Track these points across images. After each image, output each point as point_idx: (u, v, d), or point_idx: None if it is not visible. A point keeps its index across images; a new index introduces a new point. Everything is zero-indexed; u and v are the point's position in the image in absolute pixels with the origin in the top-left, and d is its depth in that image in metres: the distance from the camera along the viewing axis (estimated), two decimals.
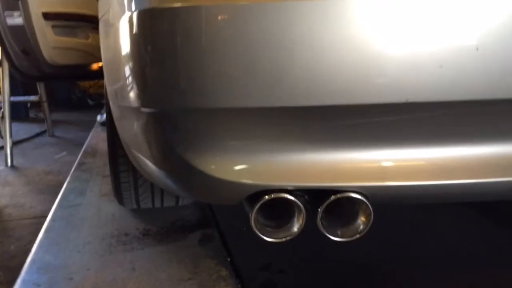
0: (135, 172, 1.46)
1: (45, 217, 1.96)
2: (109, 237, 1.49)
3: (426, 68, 0.73)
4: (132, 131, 1.03)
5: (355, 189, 0.80)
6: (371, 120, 0.79)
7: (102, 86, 5.43)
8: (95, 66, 3.07)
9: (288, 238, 0.83)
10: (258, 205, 0.81)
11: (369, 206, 0.80)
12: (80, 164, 2.39)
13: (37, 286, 1.20)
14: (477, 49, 0.73)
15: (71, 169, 2.44)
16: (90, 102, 5.46)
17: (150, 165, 0.98)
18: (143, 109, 0.85)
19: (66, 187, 2.03)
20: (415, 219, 1.72)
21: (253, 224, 0.82)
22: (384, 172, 0.80)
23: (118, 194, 1.55)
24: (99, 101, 5.41)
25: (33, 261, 1.34)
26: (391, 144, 0.80)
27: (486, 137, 0.81)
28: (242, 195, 0.84)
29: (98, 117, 3.46)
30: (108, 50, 1.12)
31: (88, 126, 4.14)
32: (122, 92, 0.95)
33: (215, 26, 0.74)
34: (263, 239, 0.83)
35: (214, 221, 1.64)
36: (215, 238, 1.49)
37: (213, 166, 0.82)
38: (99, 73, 3.15)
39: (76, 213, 1.71)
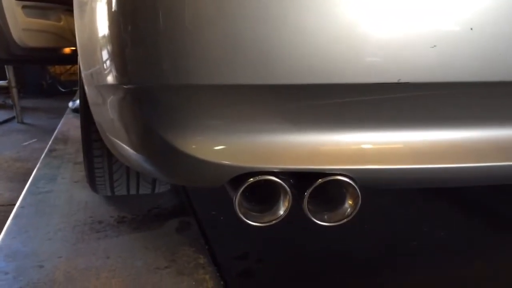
0: (110, 157, 1.41)
1: (14, 205, 1.88)
2: (81, 224, 1.44)
3: (419, 48, 0.71)
4: (109, 113, 0.98)
5: (342, 172, 0.77)
6: (361, 101, 0.76)
7: (73, 73, 5.29)
8: (67, 50, 2.97)
9: (273, 222, 0.80)
10: (242, 188, 0.77)
11: (357, 189, 0.77)
12: (51, 150, 2.31)
13: (5, 274, 1.14)
14: (471, 29, 0.71)
15: (40, 156, 2.36)
16: (61, 88, 5.30)
17: (127, 148, 0.93)
18: (122, 86, 0.80)
19: (36, 173, 1.95)
20: (393, 206, 1.72)
21: (237, 208, 0.78)
22: (373, 155, 0.78)
23: (92, 180, 1.49)
24: (71, 88, 5.26)
25: (2, 245, 1.28)
26: (380, 126, 0.78)
27: (475, 121, 0.79)
28: (225, 178, 0.81)
29: (70, 104, 3.35)
30: (84, 30, 1.06)
31: (59, 113, 4.02)
32: (100, 71, 0.90)
33: (196, 2, 0.69)
34: (247, 223, 0.80)
35: (191, 209, 1.60)
36: (192, 226, 1.45)
37: (194, 146, 0.77)
38: (72, 57, 3.05)
39: (47, 200, 1.64)
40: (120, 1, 0.75)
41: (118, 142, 0.97)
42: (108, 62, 0.82)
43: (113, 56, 0.80)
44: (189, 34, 0.71)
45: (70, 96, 4.84)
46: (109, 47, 0.80)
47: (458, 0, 0.70)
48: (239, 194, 0.78)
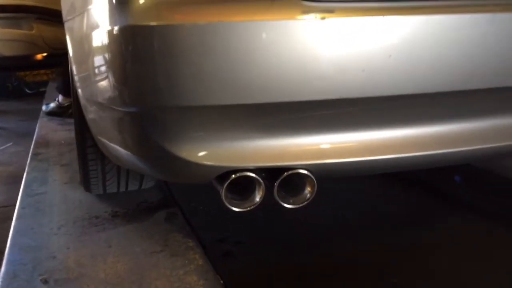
0: (103, 160, 1.61)
1: (6, 206, 2.06)
2: (80, 220, 1.64)
3: (352, 72, 0.96)
4: (109, 125, 1.20)
5: (302, 167, 1.02)
6: (312, 113, 1.01)
7: (38, 74, 5.33)
8: (39, 56, 3.10)
9: (252, 207, 1.04)
10: (227, 182, 1.01)
11: (313, 179, 1.03)
12: (35, 154, 2.47)
13: (24, 265, 1.34)
14: (389, 56, 0.97)
15: (21, 160, 2.51)
16: (28, 90, 5.34)
17: (127, 155, 1.16)
18: (128, 109, 1.03)
19: (26, 177, 2.12)
20: (343, 191, 2.01)
21: (224, 199, 1.02)
22: (324, 152, 1.04)
23: (86, 181, 1.70)
24: (37, 90, 5.32)
25: (13, 244, 1.47)
26: (328, 130, 1.03)
27: (397, 123, 1.06)
28: (213, 175, 1.04)
29: (44, 107, 3.47)
30: (83, 55, 1.27)
31: (29, 115, 4.11)
32: (103, 94, 1.12)
33: (185, 41, 0.92)
34: (231, 210, 1.04)
35: (174, 202, 1.82)
36: (178, 216, 1.68)
37: (189, 153, 1.01)
38: (44, 63, 3.18)
39: (43, 200, 1.83)
40: (123, 42, 0.97)
41: (117, 148, 1.19)
42: (112, 89, 1.04)
43: (118, 85, 1.02)
44: (179, 68, 0.94)
45: (37, 97, 4.90)
46: (113, 78, 1.02)
47: (378, 37, 0.96)
48: (224, 187, 1.02)
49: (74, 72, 1.41)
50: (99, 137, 1.37)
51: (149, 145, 1.05)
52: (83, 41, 1.21)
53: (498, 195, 1.91)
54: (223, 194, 1.02)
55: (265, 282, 1.37)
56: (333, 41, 0.95)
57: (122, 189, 1.78)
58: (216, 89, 0.94)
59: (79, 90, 1.40)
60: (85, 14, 1.17)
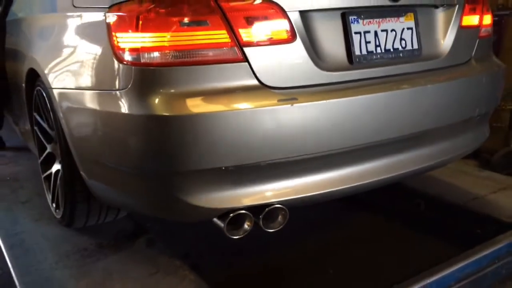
0: (89, 199, 1.88)
1: None
2: (71, 253, 1.91)
3: (311, 136, 1.43)
4: (121, 180, 1.54)
5: (278, 203, 1.47)
6: (284, 167, 1.46)
7: None
8: None
9: (245, 233, 1.47)
10: (228, 220, 1.42)
11: (286, 210, 1.48)
12: None
13: None
14: (332, 125, 1.46)
15: None
16: None
17: (136, 204, 1.52)
18: (149, 171, 1.39)
19: None
20: None
21: (226, 232, 1.43)
22: (291, 192, 1.50)
23: (71, 217, 1.96)
24: None
25: (22, 282, 1.71)
26: (294, 176, 1.50)
27: (344, 164, 1.56)
28: (216, 215, 1.45)
29: None
30: (93, 125, 1.58)
31: None
32: (118, 160, 1.47)
33: (198, 126, 1.32)
34: (231, 237, 1.45)
35: (145, 229, 2.15)
36: (155, 240, 2.02)
37: (200, 200, 1.41)
38: None
39: (26, 239, 2.04)
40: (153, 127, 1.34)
41: (129, 198, 1.54)
42: (133, 158, 1.41)
43: (138, 154, 1.39)
44: (186, 145, 1.33)
45: None
46: (132, 150, 1.39)
47: (326, 112, 1.44)
48: (226, 223, 1.42)
49: (74, 138, 1.69)
50: (95, 182, 1.68)
51: (167, 197, 1.42)
52: (99, 115, 1.52)
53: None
54: (225, 228, 1.43)
55: (236, 282, 1.79)
56: (297, 118, 1.41)
57: (100, 221, 2.06)
58: (223, 156, 1.35)
59: (77, 154, 1.70)
60: (108, 95, 1.47)
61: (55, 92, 1.76)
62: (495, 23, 2.11)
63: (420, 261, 1.84)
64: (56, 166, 2.04)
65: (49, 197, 2.19)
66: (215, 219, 1.47)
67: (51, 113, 1.89)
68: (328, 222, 2.33)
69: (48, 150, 2.11)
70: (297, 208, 1.56)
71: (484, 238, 1.91)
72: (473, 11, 1.87)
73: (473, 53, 1.88)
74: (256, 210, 1.47)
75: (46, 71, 1.86)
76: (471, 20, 1.87)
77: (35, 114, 2.18)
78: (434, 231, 2.23)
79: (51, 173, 2.09)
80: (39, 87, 2.02)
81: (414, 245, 2.14)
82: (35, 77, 2.04)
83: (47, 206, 2.21)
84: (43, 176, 2.21)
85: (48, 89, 1.83)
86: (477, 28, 1.90)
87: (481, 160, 2.96)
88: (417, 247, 2.12)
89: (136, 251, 1.92)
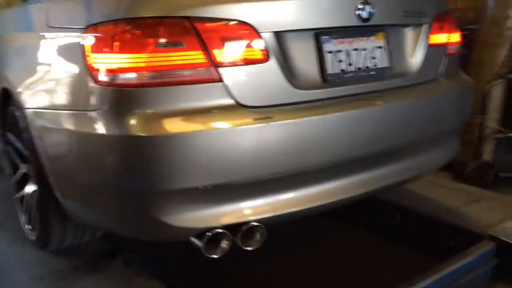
0: (65, 220, 1.86)
1: None
2: (47, 276, 1.87)
3: (288, 155, 1.45)
4: (97, 200, 1.53)
5: (256, 221, 1.48)
6: (261, 185, 1.48)
7: None
8: None
9: (224, 253, 1.47)
10: (207, 239, 1.43)
11: (264, 228, 1.49)
12: None
13: None
14: (307, 143, 1.48)
15: None
16: None
17: (113, 223, 1.51)
18: (125, 191, 1.39)
19: None
20: None
21: (204, 251, 1.43)
22: (268, 210, 1.51)
23: (47, 239, 1.92)
24: None
25: None
26: (271, 194, 1.51)
27: (320, 181, 1.59)
28: (193, 234, 1.45)
29: None
30: (70, 147, 1.56)
31: None
32: (94, 180, 1.46)
33: (181, 147, 1.33)
34: (210, 257, 1.45)
35: (122, 248, 2.13)
36: (133, 260, 2.00)
37: (177, 220, 1.41)
38: None
39: (0, 262, 1.99)
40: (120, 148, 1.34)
41: (101, 215, 1.54)
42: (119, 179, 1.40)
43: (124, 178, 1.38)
44: (172, 165, 1.34)
45: None
46: (117, 171, 1.38)
47: (303, 131, 1.46)
48: (204, 242, 1.43)
49: (49, 158, 1.67)
50: (70, 202, 1.66)
51: (144, 217, 1.42)
52: (74, 135, 1.52)
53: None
54: (203, 248, 1.43)
55: None
56: (272, 136, 1.43)
57: (76, 242, 2.03)
58: (200, 175, 1.36)
59: (52, 174, 1.68)
60: (83, 116, 1.46)
61: (29, 112, 1.75)
62: (464, 37, 2.17)
63: (396, 273, 1.87)
64: (30, 187, 2.01)
65: (22, 219, 2.15)
66: (192, 239, 1.47)
67: (24, 133, 1.87)
68: (305, 236, 2.34)
69: (22, 170, 2.08)
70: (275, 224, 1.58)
71: (457, 250, 1.96)
72: (440, 30, 1.94)
73: (442, 70, 1.94)
74: (234, 228, 1.47)
75: (19, 90, 1.84)
76: (439, 38, 1.93)
77: (8, 133, 2.15)
78: (410, 243, 2.27)
79: (25, 193, 2.06)
80: (12, 107, 2.00)
81: (390, 257, 2.17)
82: (8, 97, 2.02)
83: (20, 228, 2.17)
84: (17, 197, 2.17)
85: (21, 109, 1.81)
86: (444, 46, 1.96)
87: (454, 172, 3.03)
88: (393, 259, 2.16)
89: (113, 272, 1.90)
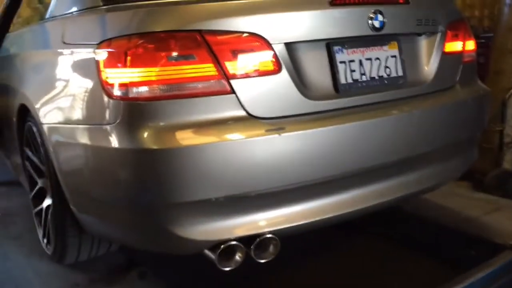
0: (81, 234, 1.87)
1: None
2: None
3: (301, 166, 1.44)
4: (112, 215, 1.54)
5: (269, 233, 1.47)
6: (273, 196, 1.47)
7: None
8: None
9: (237, 265, 1.45)
10: (219, 251, 1.42)
11: (278, 240, 1.47)
12: None
13: None
14: (320, 153, 1.47)
15: None
16: None
17: (124, 234, 1.52)
18: (139, 204, 1.39)
19: None
20: None
21: (218, 263, 1.42)
22: (282, 221, 1.50)
23: (63, 255, 1.94)
24: None
25: None
26: (285, 205, 1.50)
27: (333, 192, 1.57)
28: (207, 246, 1.44)
29: None
30: (89, 162, 1.57)
31: None
32: (109, 194, 1.47)
33: (192, 159, 1.33)
34: (223, 270, 1.44)
35: (137, 261, 2.13)
36: (147, 273, 2.00)
37: (192, 233, 1.40)
38: None
39: (16, 276, 2.01)
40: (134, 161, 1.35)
41: (115, 230, 1.54)
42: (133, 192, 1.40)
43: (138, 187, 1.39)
44: (182, 177, 1.34)
45: None
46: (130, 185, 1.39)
47: (318, 141, 1.45)
48: (217, 255, 1.42)
49: (64, 172, 1.69)
50: (85, 216, 1.67)
51: (158, 230, 1.42)
52: (89, 149, 1.53)
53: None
54: (217, 260, 1.42)
55: None
56: (285, 147, 1.42)
57: (92, 256, 2.04)
58: (213, 187, 1.35)
59: (67, 188, 1.69)
60: (98, 130, 1.48)
61: (45, 127, 1.78)
62: (481, 46, 2.15)
63: (417, 285, 1.83)
64: (47, 201, 2.03)
65: (40, 232, 2.17)
66: (206, 251, 1.46)
67: (41, 147, 1.90)
68: (323, 248, 2.31)
69: (39, 185, 2.11)
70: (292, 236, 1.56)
71: (478, 260, 1.91)
72: (455, 37, 1.92)
73: (458, 78, 1.91)
74: (248, 240, 1.46)
75: (36, 106, 1.87)
76: (454, 46, 1.91)
77: (26, 148, 2.18)
78: (430, 254, 2.22)
79: (42, 208, 2.08)
80: (29, 122, 2.03)
81: (409, 268, 2.13)
82: (26, 112, 2.06)
83: (38, 242, 2.19)
84: (34, 211, 2.20)
85: (38, 124, 1.84)
86: (460, 53, 1.94)
87: (474, 181, 2.97)
88: (412, 270, 2.11)
89: (128, 284, 1.91)
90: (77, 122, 1.60)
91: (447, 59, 1.87)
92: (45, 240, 2.11)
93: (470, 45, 2.00)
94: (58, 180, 1.75)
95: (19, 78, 2.21)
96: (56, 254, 2.00)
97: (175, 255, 1.89)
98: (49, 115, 1.78)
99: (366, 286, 1.95)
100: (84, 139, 1.56)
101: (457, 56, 1.93)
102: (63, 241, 1.90)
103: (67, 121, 1.66)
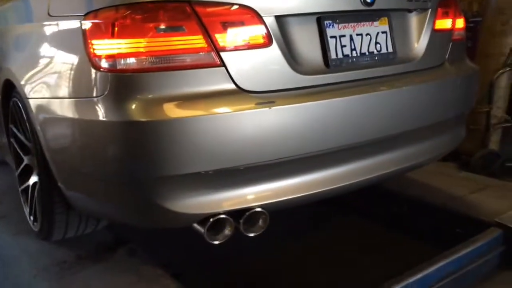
0: (68, 210, 1.85)
1: None
2: (50, 266, 1.87)
3: (290, 139, 1.43)
4: (99, 189, 1.52)
5: (258, 207, 1.47)
6: (263, 169, 1.46)
7: None
8: None
9: (226, 238, 1.45)
10: (208, 225, 1.41)
11: (267, 214, 1.48)
12: None
13: None
14: (310, 128, 1.47)
15: None
16: None
17: (118, 212, 1.50)
18: (128, 177, 1.38)
19: None
20: None
21: (206, 237, 1.42)
22: (271, 195, 1.49)
23: (50, 232, 1.92)
24: None
25: None
26: (274, 179, 1.50)
27: (323, 166, 1.57)
28: (196, 220, 1.44)
29: None
30: (76, 135, 1.55)
31: None
32: (97, 168, 1.45)
33: (180, 131, 1.32)
34: (212, 243, 1.44)
35: (126, 238, 2.12)
36: (138, 250, 1.99)
37: (181, 206, 1.39)
38: None
39: (3, 253, 2.00)
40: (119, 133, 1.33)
41: (105, 205, 1.52)
42: (117, 165, 1.38)
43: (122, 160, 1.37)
44: (170, 150, 1.33)
45: None
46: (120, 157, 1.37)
47: (305, 115, 1.44)
48: (206, 229, 1.41)
49: (51, 148, 1.67)
50: (75, 193, 1.66)
51: (147, 204, 1.41)
52: (76, 123, 1.51)
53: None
54: (206, 234, 1.42)
55: None
56: (275, 121, 1.41)
57: (79, 233, 2.02)
58: (202, 160, 1.34)
59: (54, 164, 1.67)
60: (85, 103, 1.45)
61: (32, 102, 1.74)
62: (470, 30, 2.16)
63: (403, 262, 1.85)
64: (34, 178, 2.01)
65: (26, 210, 2.15)
66: (195, 225, 1.45)
67: (27, 124, 1.86)
68: (311, 226, 2.33)
69: (25, 162, 2.08)
70: (281, 212, 1.56)
71: (464, 237, 1.93)
72: (445, 15, 1.91)
73: (447, 55, 1.92)
74: (237, 214, 1.46)
75: (22, 82, 1.84)
76: (444, 23, 1.91)
77: (11, 126, 2.15)
78: (416, 232, 2.25)
79: (28, 185, 2.06)
80: (15, 98, 1.99)
81: (396, 246, 2.16)
82: (11, 88, 2.01)
83: (25, 220, 2.17)
84: (20, 189, 2.17)
85: (24, 99, 1.81)
86: (450, 31, 1.94)
87: (460, 161, 3.00)
88: (399, 248, 2.14)
89: (117, 262, 1.90)
90: (64, 96, 1.57)
91: (437, 36, 1.87)
92: (31, 218, 2.08)
93: (460, 23, 2.00)
94: (45, 156, 1.73)
95: (4, 53, 2.17)
96: (43, 231, 1.98)
97: (164, 230, 1.89)
98: (35, 90, 1.75)
99: (348, 265, 1.97)
100: (71, 113, 1.53)
101: (447, 33, 1.93)
102: (49, 217, 1.88)
103: (54, 95, 1.63)
